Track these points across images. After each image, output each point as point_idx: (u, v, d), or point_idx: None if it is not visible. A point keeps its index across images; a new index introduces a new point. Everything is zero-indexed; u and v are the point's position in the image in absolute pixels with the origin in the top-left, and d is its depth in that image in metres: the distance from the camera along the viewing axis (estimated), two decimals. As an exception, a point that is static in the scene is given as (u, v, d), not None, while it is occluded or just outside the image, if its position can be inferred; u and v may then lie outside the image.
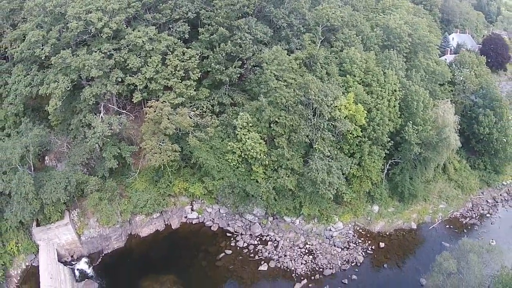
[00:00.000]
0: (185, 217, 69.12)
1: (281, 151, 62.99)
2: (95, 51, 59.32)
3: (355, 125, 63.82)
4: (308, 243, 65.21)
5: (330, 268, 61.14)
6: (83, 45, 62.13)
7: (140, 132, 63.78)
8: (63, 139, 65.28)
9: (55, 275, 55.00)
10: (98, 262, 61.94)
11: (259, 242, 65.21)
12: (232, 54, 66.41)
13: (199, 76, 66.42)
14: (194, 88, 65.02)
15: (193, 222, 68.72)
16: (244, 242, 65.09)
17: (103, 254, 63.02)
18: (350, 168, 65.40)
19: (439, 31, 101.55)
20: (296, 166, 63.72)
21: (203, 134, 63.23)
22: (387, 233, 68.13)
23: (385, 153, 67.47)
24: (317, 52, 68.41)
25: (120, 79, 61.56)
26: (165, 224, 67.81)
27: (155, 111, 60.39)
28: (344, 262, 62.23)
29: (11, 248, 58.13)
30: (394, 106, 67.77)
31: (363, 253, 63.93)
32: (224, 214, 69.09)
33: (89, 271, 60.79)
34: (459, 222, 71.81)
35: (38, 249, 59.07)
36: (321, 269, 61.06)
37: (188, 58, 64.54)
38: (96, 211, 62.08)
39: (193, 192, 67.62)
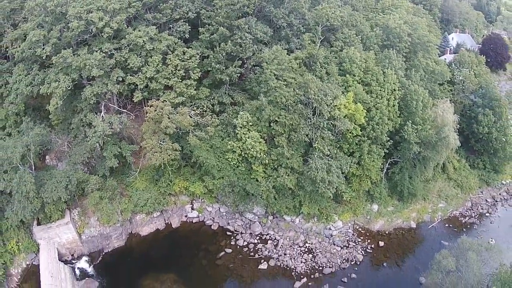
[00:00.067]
0: (186, 216, 69.30)
1: (281, 150, 63.23)
2: (96, 51, 59.62)
3: (355, 124, 64.05)
4: (308, 241, 65.42)
5: (329, 267, 61.36)
6: (84, 44, 62.46)
7: (141, 131, 64.04)
8: (64, 138, 65.47)
9: (56, 274, 55.25)
10: (98, 261, 62.11)
11: (259, 241, 65.43)
12: (232, 53, 66.67)
13: (199, 76, 66.67)
14: (195, 87, 65.30)
15: (193, 221, 68.92)
16: (244, 241, 65.31)
17: (103, 253, 63.19)
18: (350, 167, 65.67)
19: (438, 31, 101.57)
20: (296, 165, 63.94)
21: (203, 133, 63.50)
22: (387, 232, 68.32)
23: (385, 152, 67.70)
24: (316, 52, 68.64)
25: (120, 79, 61.88)
26: (165, 223, 68.00)
27: (155, 110, 60.66)
28: (344, 261, 62.45)
29: (12, 247, 58.31)
30: (394, 106, 67.97)
31: (362, 251, 64.13)
32: (224, 213, 69.31)
33: (90, 270, 60.97)
34: (458, 221, 71.96)
35: (39, 248, 59.36)
36: (320, 268, 61.28)
37: (188, 58, 64.81)
38: (97, 210, 62.27)
39: (193, 191, 67.84)
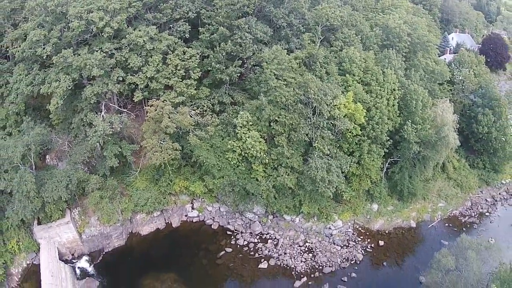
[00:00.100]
0: (186, 215, 69.39)
1: (281, 150, 63.34)
2: (97, 51, 59.71)
3: (355, 123, 64.16)
4: (308, 241, 65.51)
5: (329, 266, 61.46)
6: (85, 44, 62.54)
7: (141, 130, 64.15)
8: (64, 137, 65.58)
9: (56, 273, 55.27)
10: (99, 260, 62.20)
11: (259, 240, 65.53)
12: (232, 53, 66.79)
13: (199, 75, 66.77)
14: (195, 87, 65.38)
15: (194, 221, 69.03)
16: (244, 240, 65.41)
17: (104, 252, 63.29)
18: (350, 167, 65.76)
19: (438, 31, 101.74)
20: (295, 165, 64.05)
21: (203, 133, 63.59)
22: (387, 232, 68.42)
23: (384, 152, 67.83)
24: (316, 52, 68.76)
25: (121, 78, 61.94)
26: (165, 223, 68.09)
27: (156, 110, 60.77)
28: (344, 260, 62.54)
29: (12, 247, 58.37)
30: (393, 105, 68.10)
31: (362, 251, 64.23)
32: (224, 213, 69.39)
33: (90, 269, 61.04)
34: (458, 220, 72.06)
35: (39, 247, 59.41)
36: (320, 267, 61.37)
37: (188, 58, 64.91)
38: (97, 210, 62.35)
39: (193, 191, 67.88)
